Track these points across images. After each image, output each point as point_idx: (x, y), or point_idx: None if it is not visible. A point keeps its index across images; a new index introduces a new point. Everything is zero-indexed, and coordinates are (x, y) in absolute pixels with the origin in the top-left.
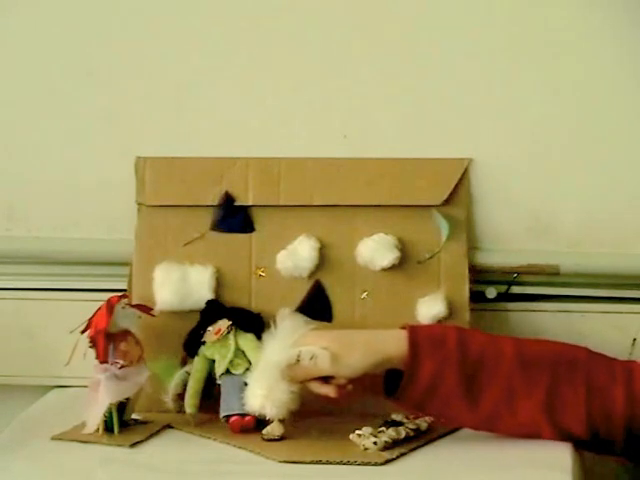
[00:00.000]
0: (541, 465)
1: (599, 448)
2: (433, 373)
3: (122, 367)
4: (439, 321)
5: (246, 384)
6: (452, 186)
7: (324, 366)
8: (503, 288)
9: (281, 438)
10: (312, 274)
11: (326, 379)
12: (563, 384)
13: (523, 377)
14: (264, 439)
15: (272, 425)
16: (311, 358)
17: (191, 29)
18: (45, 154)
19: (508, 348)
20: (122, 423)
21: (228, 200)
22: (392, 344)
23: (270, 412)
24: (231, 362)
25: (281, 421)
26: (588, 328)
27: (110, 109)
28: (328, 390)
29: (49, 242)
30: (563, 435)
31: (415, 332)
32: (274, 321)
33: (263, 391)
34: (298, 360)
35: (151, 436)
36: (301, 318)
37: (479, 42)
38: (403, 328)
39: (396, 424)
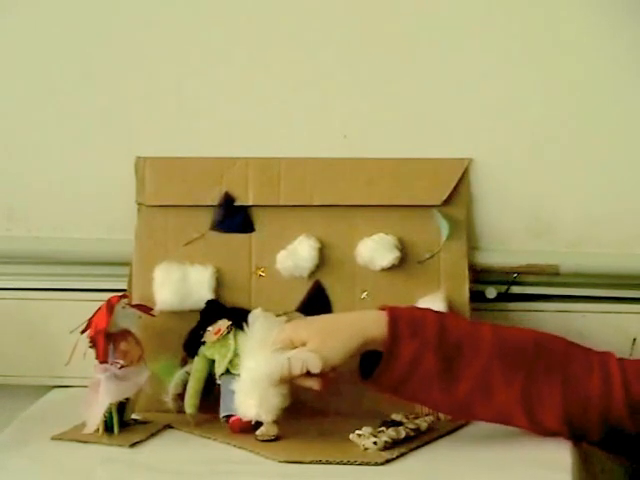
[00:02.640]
0: (541, 465)
1: (574, 436)
2: (412, 355)
3: (122, 367)
4: None
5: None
6: (452, 186)
7: (315, 369)
8: (503, 288)
9: (276, 438)
10: (312, 274)
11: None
12: (540, 374)
13: (501, 365)
14: (259, 440)
15: (266, 426)
16: (302, 364)
17: (191, 29)
18: (45, 154)
19: (487, 334)
20: (122, 423)
21: (228, 200)
22: (372, 326)
23: (265, 417)
24: (231, 362)
25: (275, 421)
26: (588, 328)
27: (110, 109)
28: (312, 383)
29: (49, 242)
30: (536, 426)
31: (395, 314)
32: (247, 323)
33: (255, 400)
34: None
35: (151, 436)
36: (273, 317)
37: (479, 42)
38: (382, 309)
39: (396, 424)
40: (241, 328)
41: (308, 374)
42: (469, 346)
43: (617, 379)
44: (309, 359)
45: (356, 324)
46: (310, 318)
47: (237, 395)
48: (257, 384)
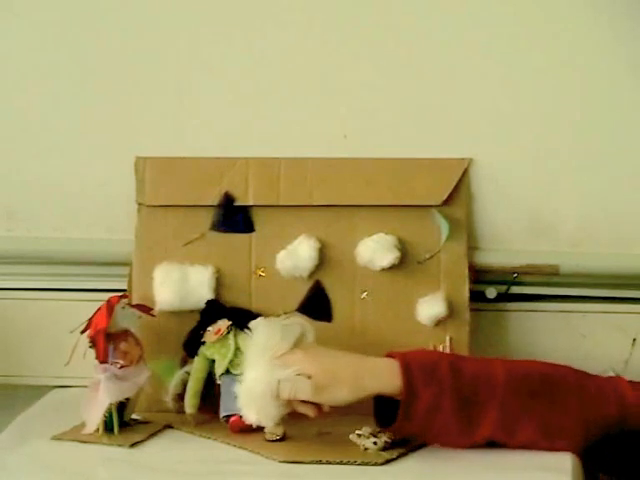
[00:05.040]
0: (541, 467)
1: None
2: (429, 404)
3: (122, 367)
4: (439, 321)
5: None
6: (452, 186)
7: (304, 396)
8: (503, 288)
9: (283, 437)
10: (312, 274)
11: None
12: (557, 401)
13: (517, 400)
14: (266, 440)
15: (271, 427)
16: (291, 388)
17: (191, 29)
18: (45, 154)
19: (498, 372)
20: (122, 423)
21: (228, 200)
22: (383, 378)
23: (266, 423)
24: (231, 362)
25: (278, 423)
26: (588, 328)
27: (110, 109)
28: (306, 410)
29: (49, 242)
30: (555, 448)
31: (407, 362)
32: (249, 331)
33: (254, 409)
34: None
35: (151, 436)
36: (277, 324)
37: (479, 42)
38: (391, 356)
39: None
40: (241, 328)
41: (306, 401)
42: (484, 385)
43: (631, 398)
44: (299, 386)
45: (366, 374)
46: (320, 352)
47: (239, 399)
48: (254, 396)
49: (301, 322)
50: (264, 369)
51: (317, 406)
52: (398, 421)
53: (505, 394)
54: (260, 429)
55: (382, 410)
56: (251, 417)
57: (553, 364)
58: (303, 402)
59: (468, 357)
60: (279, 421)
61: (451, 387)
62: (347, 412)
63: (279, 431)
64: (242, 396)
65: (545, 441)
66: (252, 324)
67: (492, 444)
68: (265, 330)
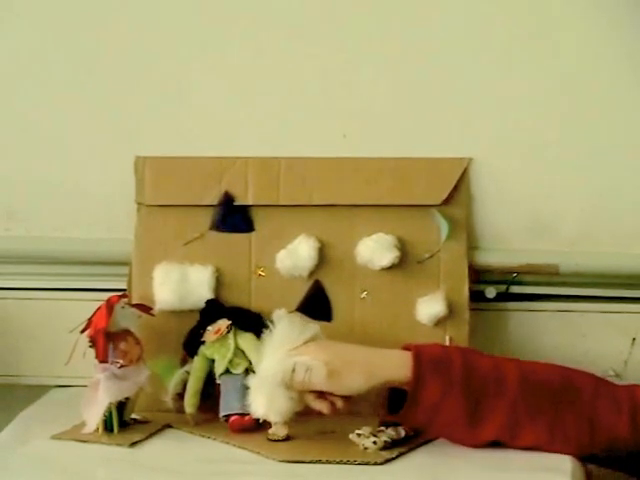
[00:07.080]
0: (541, 467)
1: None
2: (437, 397)
3: (122, 367)
4: (439, 321)
5: (247, 387)
6: (452, 186)
7: (318, 380)
8: (502, 288)
9: (286, 438)
10: (312, 274)
11: (323, 392)
12: (567, 413)
13: (527, 404)
14: (269, 439)
15: (276, 426)
16: (306, 371)
17: (191, 29)
18: (45, 154)
19: (512, 373)
20: (122, 423)
21: (228, 200)
22: (395, 368)
23: (274, 418)
24: (231, 362)
25: (285, 422)
26: (588, 328)
27: (110, 109)
28: (321, 406)
29: (49, 242)
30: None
31: (419, 356)
32: (271, 322)
33: (264, 400)
34: (294, 371)
35: (151, 436)
36: (297, 320)
37: (479, 41)
38: (406, 348)
39: (395, 424)
40: (241, 328)
41: (320, 396)
42: (494, 385)
43: None
44: (315, 367)
45: (379, 363)
46: (334, 344)
47: (250, 392)
48: (266, 384)
49: (314, 326)
50: (279, 359)
51: (331, 403)
52: (405, 408)
53: (514, 396)
54: (260, 428)
55: (395, 405)
56: (259, 410)
57: (574, 370)
58: (317, 397)
59: (485, 355)
60: (287, 419)
61: (461, 381)
62: (348, 412)
63: (283, 432)
64: (253, 386)
65: (548, 448)
66: (275, 316)
67: (493, 444)
68: (287, 323)
